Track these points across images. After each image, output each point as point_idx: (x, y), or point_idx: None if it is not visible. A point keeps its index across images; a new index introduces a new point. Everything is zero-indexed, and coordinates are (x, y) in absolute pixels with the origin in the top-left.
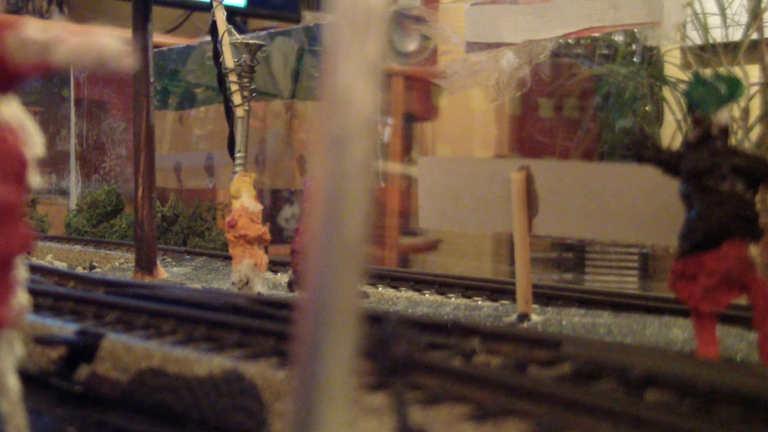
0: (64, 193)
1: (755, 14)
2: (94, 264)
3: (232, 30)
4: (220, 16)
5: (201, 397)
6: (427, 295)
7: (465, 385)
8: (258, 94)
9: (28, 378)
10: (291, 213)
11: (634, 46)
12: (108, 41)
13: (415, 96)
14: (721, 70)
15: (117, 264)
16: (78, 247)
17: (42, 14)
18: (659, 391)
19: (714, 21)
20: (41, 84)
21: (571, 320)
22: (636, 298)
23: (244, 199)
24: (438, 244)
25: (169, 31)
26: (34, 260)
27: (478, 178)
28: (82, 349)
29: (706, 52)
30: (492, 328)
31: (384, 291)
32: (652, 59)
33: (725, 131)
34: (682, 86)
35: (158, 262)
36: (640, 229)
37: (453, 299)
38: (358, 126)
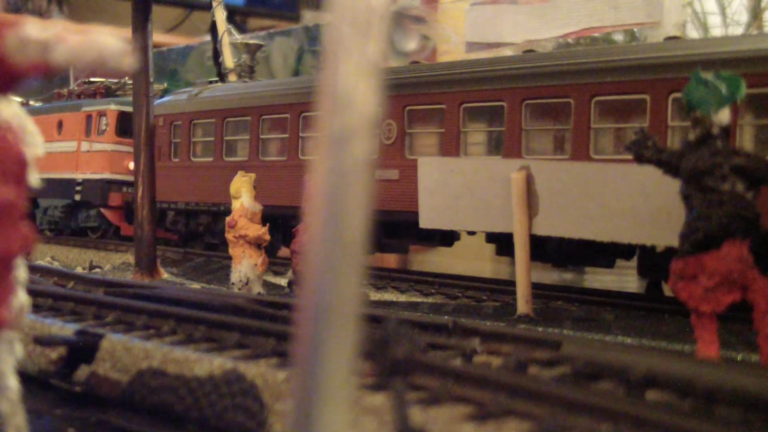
0: None
1: (755, 14)
2: (94, 264)
3: (232, 30)
4: (220, 16)
5: (201, 397)
6: (427, 295)
7: (465, 385)
8: None
9: (28, 378)
10: None
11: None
12: (108, 40)
13: None
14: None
15: (117, 264)
16: (78, 247)
17: (41, 13)
18: (659, 391)
19: (714, 21)
20: (41, 83)
21: (571, 320)
22: (636, 298)
23: (244, 199)
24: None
25: (169, 31)
26: (35, 260)
27: (478, 178)
28: (82, 350)
29: None
30: (492, 328)
31: (385, 291)
32: None
33: (726, 131)
34: None
35: (158, 262)
36: (640, 229)
37: (453, 299)
38: (358, 126)
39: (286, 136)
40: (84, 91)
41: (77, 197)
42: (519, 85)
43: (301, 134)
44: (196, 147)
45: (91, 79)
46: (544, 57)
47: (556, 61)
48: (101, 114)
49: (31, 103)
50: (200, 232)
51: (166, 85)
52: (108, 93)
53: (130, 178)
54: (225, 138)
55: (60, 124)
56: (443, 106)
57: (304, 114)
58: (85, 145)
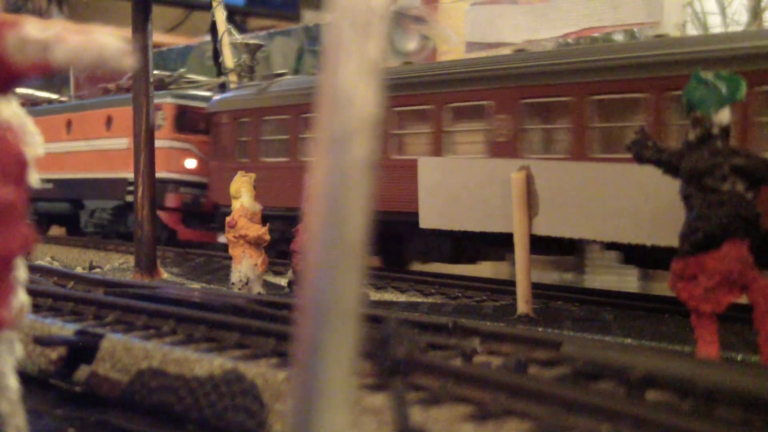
0: None
1: (755, 14)
2: (94, 264)
3: (232, 30)
4: (220, 16)
5: (201, 397)
6: (427, 295)
7: (465, 385)
8: None
9: (28, 378)
10: None
11: None
12: (108, 40)
13: None
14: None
15: (117, 264)
16: (78, 247)
17: (41, 13)
18: (659, 391)
19: (714, 21)
20: (41, 83)
21: (571, 320)
22: (636, 298)
23: (244, 199)
24: None
25: (169, 31)
26: (35, 260)
27: (478, 178)
28: (82, 350)
29: None
30: (492, 328)
31: (385, 291)
32: None
33: (726, 131)
34: None
35: (158, 262)
36: (640, 229)
37: (453, 299)
38: (359, 126)
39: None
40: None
41: (128, 198)
42: (658, 74)
43: (398, 131)
44: (266, 146)
45: None
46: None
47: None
48: (156, 108)
49: (73, 98)
50: (273, 239)
51: (222, 78)
52: (161, 86)
53: (190, 178)
54: (301, 136)
55: (109, 120)
56: (568, 99)
57: (398, 109)
58: None
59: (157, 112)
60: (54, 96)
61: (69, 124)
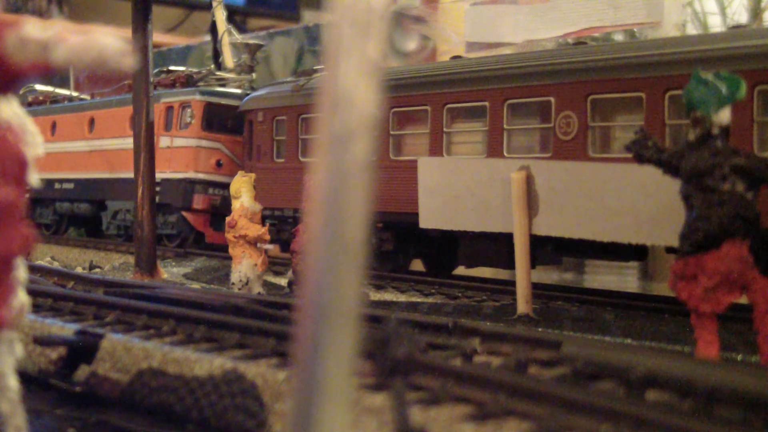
0: None
1: (755, 14)
2: (94, 264)
3: (232, 30)
4: (220, 16)
5: (201, 397)
6: (427, 295)
7: (465, 385)
8: None
9: (28, 378)
10: None
11: None
12: (108, 40)
13: None
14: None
15: (117, 264)
16: (78, 247)
17: (41, 13)
18: (659, 391)
19: (714, 21)
20: (41, 83)
21: (571, 320)
22: (636, 298)
23: (244, 199)
24: None
25: (169, 31)
26: (35, 260)
27: (478, 178)
28: (82, 350)
29: None
30: (492, 328)
31: (385, 291)
32: None
33: (726, 131)
34: None
35: (158, 262)
36: (640, 229)
37: (453, 299)
38: (359, 126)
39: (426, 131)
40: (160, 81)
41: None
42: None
43: (446, 129)
44: (306, 145)
45: (170, 68)
46: None
47: None
48: (185, 105)
49: (97, 96)
50: None
51: (254, 75)
52: (189, 82)
53: (218, 178)
54: None
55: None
56: (642, 95)
57: (448, 105)
58: (164, 141)
59: (185, 110)
60: (74, 93)
61: (92, 122)
